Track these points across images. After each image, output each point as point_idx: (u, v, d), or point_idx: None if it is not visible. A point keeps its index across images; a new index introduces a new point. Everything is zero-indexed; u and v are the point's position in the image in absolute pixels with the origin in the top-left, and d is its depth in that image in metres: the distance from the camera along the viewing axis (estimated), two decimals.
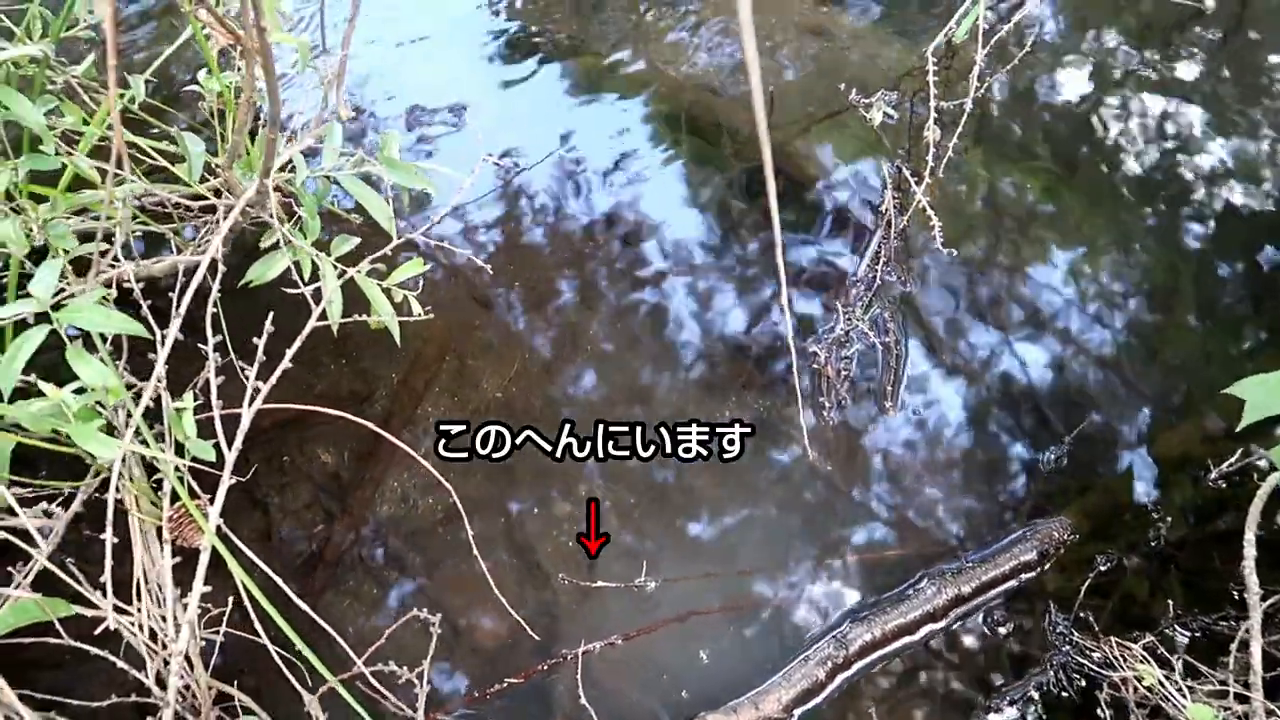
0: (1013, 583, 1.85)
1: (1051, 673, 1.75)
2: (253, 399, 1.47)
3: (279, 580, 1.55)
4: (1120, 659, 1.67)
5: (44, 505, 1.67)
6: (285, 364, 1.49)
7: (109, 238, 1.71)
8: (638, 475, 2.05)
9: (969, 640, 1.82)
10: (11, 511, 1.63)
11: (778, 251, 0.92)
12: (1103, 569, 1.86)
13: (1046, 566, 1.86)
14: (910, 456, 2.02)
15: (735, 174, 2.47)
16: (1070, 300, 2.22)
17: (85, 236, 1.78)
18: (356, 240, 1.93)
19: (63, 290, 1.44)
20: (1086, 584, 1.83)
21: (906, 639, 1.80)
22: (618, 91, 2.69)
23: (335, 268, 1.87)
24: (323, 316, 1.76)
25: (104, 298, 1.31)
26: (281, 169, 1.78)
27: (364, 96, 2.73)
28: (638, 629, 1.83)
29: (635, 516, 1.99)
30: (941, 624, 1.81)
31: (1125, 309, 2.24)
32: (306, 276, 1.78)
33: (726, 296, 2.26)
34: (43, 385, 1.28)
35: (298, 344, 1.54)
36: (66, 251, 1.64)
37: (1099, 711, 1.66)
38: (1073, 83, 2.67)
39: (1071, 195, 2.43)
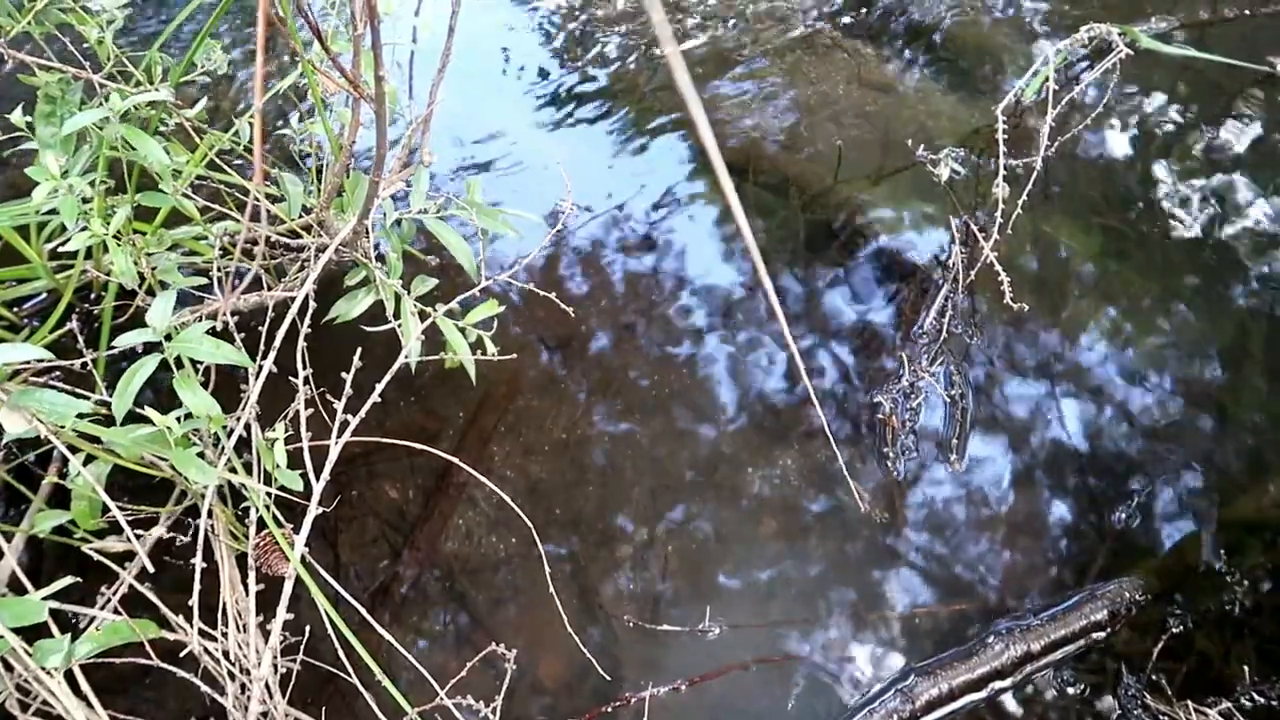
0: (1082, 642, 1.83)
1: None
2: (341, 431, 1.51)
3: (362, 610, 1.57)
4: None
5: (130, 532, 1.72)
6: (374, 398, 1.54)
7: (204, 273, 1.78)
8: (701, 520, 2.06)
9: (1037, 700, 1.80)
10: (100, 534, 1.68)
11: (760, 268, 0.94)
12: (1175, 631, 1.84)
13: (1117, 627, 1.84)
14: (975, 511, 2.02)
15: (801, 226, 2.50)
16: (1136, 360, 2.22)
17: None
18: (435, 281, 1.99)
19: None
20: (1159, 646, 1.81)
21: (973, 696, 1.78)
22: (681, 141, 2.74)
23: (416, 308, 1.92)
24: (396, 344, 1.81)
25: (211, 330, 1.36)
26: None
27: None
28: (702, 674, 1.84)
29: (699, 562, 2.00)
30: (1009, 682, 1.79)
31: (1193, 370, 2.23)
32: (391, 315, 1.83)
33: (799, 339, 2.29)
34: (149, 412, 1.33)
35: (386, 380, 1.58)
36: (164, 285, 1.71)
37: None
38: (1135, 144, 2.68)
39: (1139, 255, 2.43)
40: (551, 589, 1.78)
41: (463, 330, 1.94)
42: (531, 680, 1.93)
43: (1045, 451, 2.09)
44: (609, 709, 1.81)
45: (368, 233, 1.62)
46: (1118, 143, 2.67)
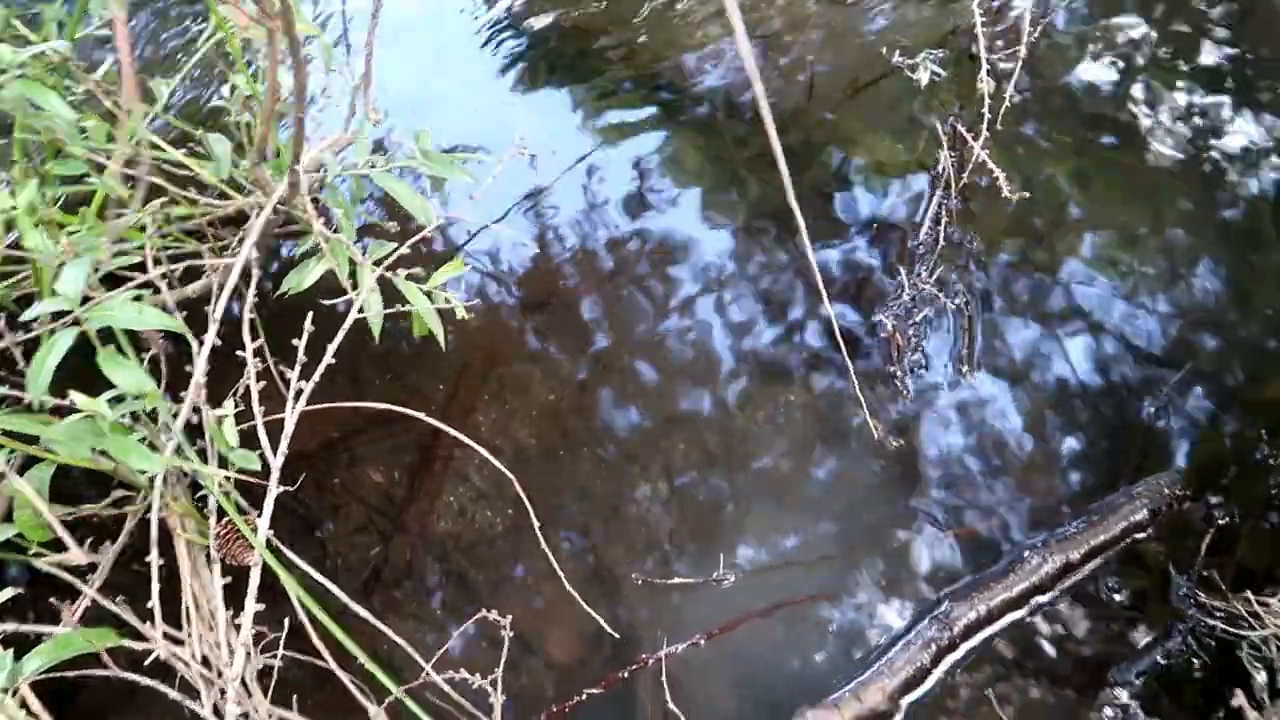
0: (1123, 545, 1.70)
1: (1179, 639, 1.59)
2: (296, 399, 1.38)
3: (336, 590, 1.44)
4: (1257, 616, 1.51)
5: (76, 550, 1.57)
6: (328, 359, 1.41)
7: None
8: (706, 467, 1.93)
9: (1083, 612, 1.67)
10: (62, 546, 1.55)
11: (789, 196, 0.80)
12: (1221, 523, 1.71)
13: (1159, 525, 1.71)
14: (994, 422, 1.89)
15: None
16: (1149, 250, 2.08)
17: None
18: (394, 245, 1.85)
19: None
20: (1206, 540, 1.68)
21: (1013, 614, 1.65)
22: (646, 94, 2.59)
23: (373, 270, 1.79)
24: (364, 322, 1.68)
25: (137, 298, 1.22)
26: (311, 170, 1.70)
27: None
28: (720, 626, 1.71)
29: (707, 510, 1.87)
30: (1050, 596, 1.66)
31: (1211, 257, 2.09)
32: (344, 279, 1.70)
33: (785, 280, 2.15)
34: (74, 395, 1.20)
35: (338, 340, 1.45)
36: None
37: (1242, 675, 1.50)
38: (1102, 67, 2.49)
39: (1140, 167, 2.29)
40: (550, 556, 1.64)
41: (430, 295, 1.81)
42: (544, 656, 1.81)
43: (1061, 353, 1.95)
44: (625, 674, 1.69)
45: (304, 185, 1.49)
46: (1082, 68, 2.50)
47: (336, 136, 1.63)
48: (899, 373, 1.92)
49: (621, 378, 2.08)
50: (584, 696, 1.67)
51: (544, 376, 2.14)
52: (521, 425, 2.09)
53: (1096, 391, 1.90)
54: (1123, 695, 1.56)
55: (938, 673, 1.60)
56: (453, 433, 1.71)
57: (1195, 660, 1.58)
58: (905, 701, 1.58)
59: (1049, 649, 1.65)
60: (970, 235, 2.07)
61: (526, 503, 1.51)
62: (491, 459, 1.59)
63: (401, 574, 1.94)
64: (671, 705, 1.61)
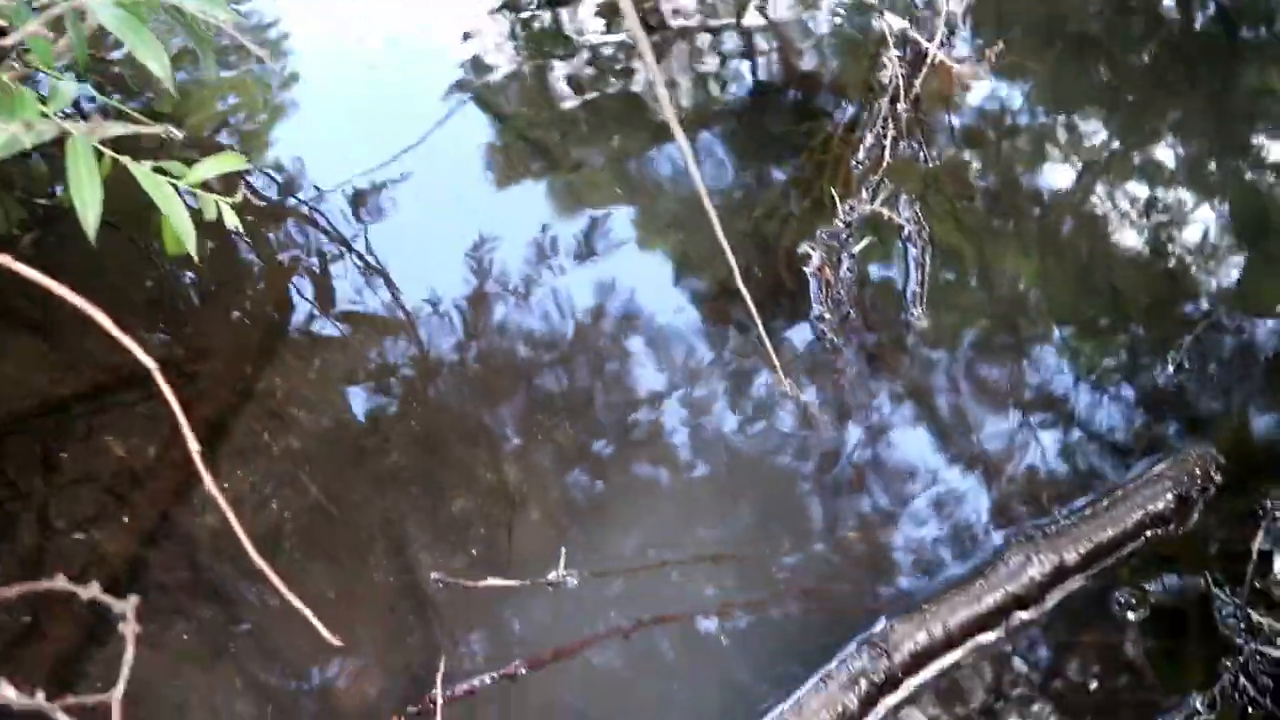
0: (1138, 543, 1.19)
1: (1229, 679, 1.07)
2: None
3: None
4: None
5: None
6: None
7: None
8: (561, 436, 1.41)
9: (1085, 639, 1.15)
10: None
11: None
12: (1276, 516, 1.20)
13: (1187, 518, 1.21)
14: (954, 380, 1.40)
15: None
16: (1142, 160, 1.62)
17: None
18: (132, 129, 1.33)
19: None
20: (1256, 541, 1.17)
21: (983, 637, 1.13)
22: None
23: (100, 152, 1.26)
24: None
25: None
26: None
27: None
28: (553, 650, 1.15)
29: (552, 486, 1.35)
30: (1036, 612, 1.15)
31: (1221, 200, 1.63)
32: (29, 143, 1.16)
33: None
34: None
35: None
36: None
37: None
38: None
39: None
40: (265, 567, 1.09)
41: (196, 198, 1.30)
42: (329, 700, 1.28)
43: (1045, 288, 1.46)
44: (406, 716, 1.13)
45: None
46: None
47: None
48: (828, 314, 1.41)
49: (462, 323, 1.60)
50: None
51: (367, 336, 1.65)
52: (330, 393, 1.59)
53: (1095, 339, 1.41)
54: None
55: None
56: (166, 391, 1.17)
57: (1253, 709, 1.05)
58: None
59: (1033, 693, 1.12)
60: (924, 153, 1.60)
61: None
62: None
63: (127, 580, 1.38)
64: None
